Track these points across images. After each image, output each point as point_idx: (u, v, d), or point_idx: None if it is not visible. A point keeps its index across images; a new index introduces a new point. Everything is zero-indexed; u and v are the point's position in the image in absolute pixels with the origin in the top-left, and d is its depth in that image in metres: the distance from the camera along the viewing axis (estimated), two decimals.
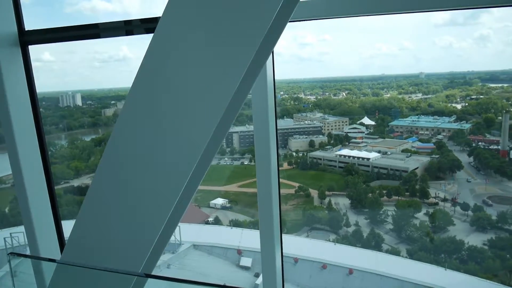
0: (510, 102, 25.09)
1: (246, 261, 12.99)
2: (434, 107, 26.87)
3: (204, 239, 13.93)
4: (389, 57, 36.12)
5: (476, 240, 19.88)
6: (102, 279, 1.94)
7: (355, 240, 21.55)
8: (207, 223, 22.42)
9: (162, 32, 1.70)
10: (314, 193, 23.95)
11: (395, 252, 20.22)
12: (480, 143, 23.72)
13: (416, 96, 28.48)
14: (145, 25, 3.28)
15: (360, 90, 29.87)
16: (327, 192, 23.66)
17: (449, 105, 26.79)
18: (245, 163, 25.75)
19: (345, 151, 25.26)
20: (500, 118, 23.83)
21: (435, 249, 20.18)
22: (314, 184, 24.25)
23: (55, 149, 26.45)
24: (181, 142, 1.71)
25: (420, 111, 26.97)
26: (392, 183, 23.28)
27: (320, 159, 25.52)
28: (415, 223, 21.55)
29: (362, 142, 25.75)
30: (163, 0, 1.68)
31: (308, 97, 30.39)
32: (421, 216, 21.74)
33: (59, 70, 36.53)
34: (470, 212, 21.28)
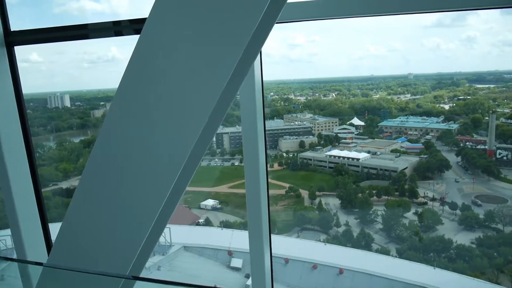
0: (496, 103, 25.48)
1: (236, 262, 12.96)
2: (423, 107, 27.17)
3: (195, 241, 13.86)
4: (378, 58, 36.43)
5: (464, 239, 20.12)
6: (89, 282, 1.93)
7: (346, 240, 21.66)
8: (197, 224, 22.34)
9: (148, 33, 1.69)
10: (304, 193, 24.01)
11: (384, 251, 20.37)
12: (467, 143, 24.03)
13: (405, 96, 28.76)
14: (134, 26, 3.26)
15: (350, 91, 30.07)
16: (317, 193, 23.74)
17: (437, 105, 27.11)
18: (235, 164, 25.71)
19: (335, 152, 25.39)
20: (487, 118, 24.18)
21: (424, 248, 20.37)
22: (304, 185, 24.32)
23: (43, 151, 26.12)
24: (168, 143, 1.70)
25: (409, 112, 27.25)
26: (381, 183, 23.45)
27: (310, 159, 25.60)
28: (405, 223, 21.73)
29: (352, 142, 25.90)
30: (152, 1, 1.67)
31: (298, 98, 30.48)
32: (410, 215, 21.94)
33: (47, 71, 36.08)
34: (458, 211, 21.52)
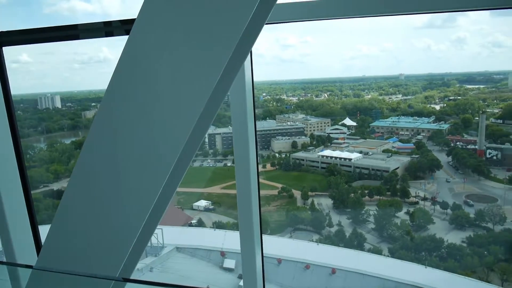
0: (486, 103, 25.78)
1: (229, 263, 12.94)
2: (414, 108, 27.40)
3: (187, 242, 13.81)
4: (370, 59, 36.69)
5: (455, 237, 20.30)
6: (79, 284, 1.91)
7: (338, 240, 21.75)
8: (190, 225, 22.28)
9: (137, 33, 1.69)
10: (297, 193, 24.08)
11: (377, 251, 20.48)
12: (458, 143, 24.28)
13: (396, 97, 28.99)
14: (125, 27, 3.23)
15: (342, 92, 30.23)
16: (310, 193, 23.82)
17: (428, 106, 27.37)
18: (228, 165, 25.70)
19: (327, 152, 25.50)
20: (477, 118, 24.45)
21: (415, 247, 20.52)
22: (297, 185, 24.38)
23: (34, 152, 25.88)
24: (158, 143, 1.69)
25: (400, 112, 27.48)
26: (373, 183, 23.59)
27: (303, 160, 25.68)
28: (396, 222, 21.87)
29: (344, 142, 26.03)
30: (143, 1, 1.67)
31: (290, 99, 30.57)
32: (402, 215, 22.09)
33: (37, 71, 35.81)
34: (449, 211, 21.72)
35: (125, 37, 1.71)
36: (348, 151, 25.24)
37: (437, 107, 27.02)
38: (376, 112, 27.57)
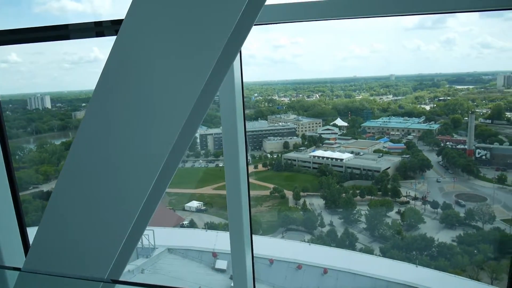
0: (475, 103, 26.09)
1: (221, 264, 12.90)
2: (404, 108, 27.62)
3: (179, 243, 13.74)
4: (361, 59, 36.90)
5: (445, 236, 20.51)
6: (67, 286, 1.89)
7: (330, 240, 21.84)
8: (182, 226, 22.21)
9: (125, 34, 1.68)
10: (289, 194, 24.12)
11: (368, 250, 20.60)
12: (448, 143, 24.53)
13: (387, 97, 29.19)
14: (116, 27, 3.21)
15: (333, 92, 30.36)
16: (301, 193, 23.88)
17: (418, 106, 27.61)
18: (220, 165, 25.66)
19: (319, 152, 25.59)
20: (466, 118, 24.71)
21: (406, 246, 20.69)
22: (288, 185, 24.43)
23: (23, 153, 25.61)
24: (146, 144, 1.69)
25: (391, 112, 27.66)
26: (365, 183, 23.73)
27: (295, 160, 25.74)
28: (388, 222, 22.02)
29: (335, 143, 26.14)
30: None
31: (282, 99, 30.63)
32: (393, 214, 22.25)
33: (27, 71, 35.36)
34: (439, 210, 21.93)
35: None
36: (339, 151, 25.36)
37: (427, 108, 27.27)
38: (367, 112, 27.74)
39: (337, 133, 26.79)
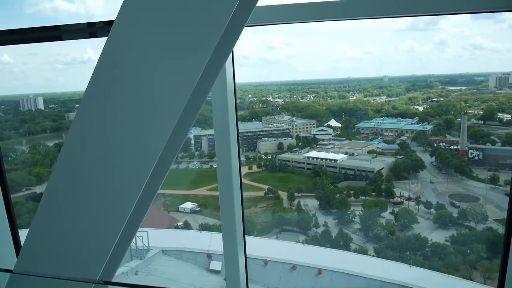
0: (467, 104, 26.27)
1: (216, 265, 12.86)
2: (398, 109, 27.75)
3: (173, 244, 13.69)
4: (354, 61, 37.06)
5: (439, 236, 20.63)
6: (59, 287, 1.89)
7: (324, 240, 21.87)
8: (176, 227, 22.12)
9: (117, 34, 1.68)
10: (283, 195, 24.13)
11: (362, 251, 20.65)
12: (441, 144, 24.67)
13: (381, 98, 29.32)
14: (109, 28, 3.19)
15: (327, 93, 30.44)
16: (296, 194, 23.90)
17: (411, 107, 27.75)
18: (214, 167, 25.60)
19: (313, 153, 25.62)
20: (459, 119, 24.89)
21: (400, 246, 20.77)
22: (283, 186, 24.44)
23: (16, 154, 25.39)
24: (137, 145, 1.69)
25: (384, 113, 27.78)
26: (359, 184, 23.79)
27: (289, 161, 25.76)
28: (382, 222, 22.10)
29: (329, 144, 26.20)
30: None
31: (276, 100, 30.66)
32: (387, 215, 22.33)
33: (20, 72, 35.06)
34: (433, 210, 22.05)
35: None
36: (333, 152, 25.42)
37: (421, 108, 27.42)
38: (361, 113, 27.84)
39: (331, 134, 26.84)
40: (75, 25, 3.35)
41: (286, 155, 26.12)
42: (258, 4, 3.01)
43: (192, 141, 26.30)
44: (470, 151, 23.22)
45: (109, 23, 3.19)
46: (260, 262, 12.46)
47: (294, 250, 15.07)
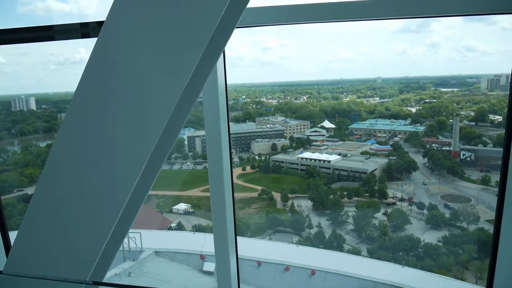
0: (460, 106, 26.50)
1: (209, 266, 12.83)
2: (391, 110, 27.91)
3: (166, 245, 13.64)
4: (348, 62, 37.21)
5: (431, 237, 20.75)
6: None
7: (318, 241, 21.91)
8: (169, 228, 22.04)
9: (107, 35, 1.68)
10: (277, 196, 24.15)
11: (356, 251, 20.72)
12: (433, 145, 24.84)
13: (374, 100, 29.47)
14: None
15: (320, 94, 30.54)
16: (289, 195, 23.93)
17: (404, 108, 27.93)
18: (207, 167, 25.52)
19: (307, 154, 25.68)
20: (451, 120, 25.08)
21: (393, 247, 20.87)
22: (276, 187, 24.47)
23: (7, 155, 25.18)
24: (127, 146, 1.68)
25: (377, 114, 27.92)
26: (352, 185, 23.88)
27: (283, 162, 25.79)
28: (375, 223, 22.19)
29: (323, 145, 26.27)
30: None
31: (270, 101, 30.70)
32: (380, 216, 22.43)
33: (12, 72, 34.69)
34: (425, 211, 22.19)
35: None
36: (327, 153, 25.49)
37: (413, 110, 27.61)
38: (354, 114, 27.96)
39: (324, 135, 26.92)
40: (67, 25, 3.33)
41: (280, 156, 26.15)
42: (252, 5, 3.03)
43: (186, 142, 26.25)
44: (462, 152, 23.41)
45: (102, 24, 3.17)
46: (253, 263, 12.45)
47: (288, 251, 15.08)
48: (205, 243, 13.41)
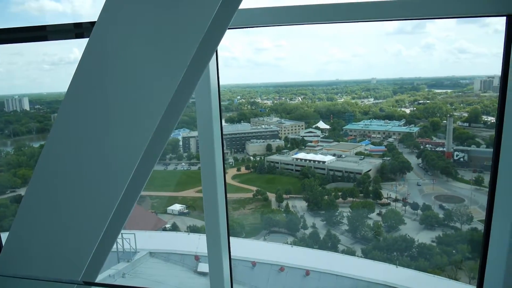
0: (453, 107, 26.66)
1: (203, 267, 12.81)
2: (385, 111, 28.02)
3: (161, 246, 13.60)
4: (343, 63, 37.32)
5: (425, 237, 20.84)
6: None
7: (313, 242, 21.92)
8: (164, 229, 21.97)
9: (98, 35, 1.68)
10: (271, 196, 24.13)
11: (350, 252, 20.75)
12: (427, 146, 24.96)
13: (368, 100, 29.58)
14: None
15: (315, 95, 30.59)
16: (284, 195, 23.92)
17: (398, 109, 28.04)
18: None
19: (302, 155, 25.69)
20: (445, 121, 25.22)
21: (387, 247, 20.92)
22: (271, 188, 24.45)
23: (0, 156, 24.97)
24: (118, 147, 1.69)
25: (372, 115, 28.01)
26: (346, 185, 23.92)
27: (277, 162, 25.79)
28: (369, 223, 22.25)
29: (317, 145, 26.30)
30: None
31: (265, 102, 30.70)
32: (375, 216, 22.49)
33: (5, 72, 34.39)
34: (419, 211, 22.28)
35: None
36: (322, 153, 25.52)
37: (407, 111, 27.73)
38: (349, 115, 28.02)
39: (319, 136, 26.97)
40: (61, 25, 3.32)
41: (275, 157, 26.15)
42: (247, 6, 3.04)
43: (181, 143, 26.18)
44: (456, 153, 23.55)
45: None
46: (248, 263, 12.45)
47: (282, 251, 15.09)
48: (199, 244, 13.38)
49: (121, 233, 11.70)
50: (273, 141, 26.92)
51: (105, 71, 1.69)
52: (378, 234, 21.59)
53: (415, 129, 26.00)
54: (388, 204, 22.98)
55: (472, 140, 23.94)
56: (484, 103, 26.06)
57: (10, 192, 22.42)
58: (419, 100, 28.10)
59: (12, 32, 3.43)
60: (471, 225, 21.05)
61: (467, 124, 25.03)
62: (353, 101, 29.58)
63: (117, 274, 11.91)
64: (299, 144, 26.72)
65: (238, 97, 30.40)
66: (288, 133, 27.48)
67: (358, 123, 27.67)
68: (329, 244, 21.49)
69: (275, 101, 30.74)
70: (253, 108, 29.88)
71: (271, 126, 27.87)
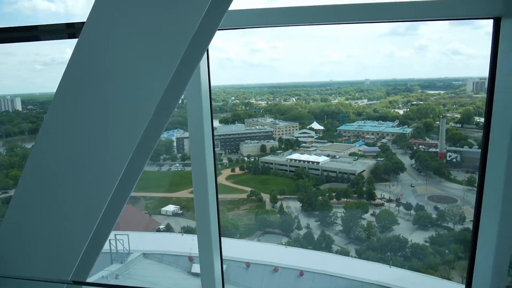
0: (446, 108, 26.85)
1: (197, 268, 12.76)
2: (379, 112, 28.15)
3: (155, 247, 13.56)
4: (337, 64, 37.42)
5: (418, 237, 20.95)
6: None
7: (307, 242, 21.95)
8: (158, 230, 21.89)
9: (87, 35, 1.68)
10: (266, 197, 24.14)
11: (344, 252, 20.81)
12: (420, 146, 25.11)
13: (362, 101, 29.71)
14: None
15: (310, 96, 30.67)
16: (278, 196, 23.94)
17: (392, 110, 28.19)
18: None
19: (296, 155, 25.73)
20: (438, 122, 25.40)
21: (381, 247, 21.01)
22: (265, 188, 24.46)
23: None
24: (107, 147, 1.69)
25: (365, 116, 28.13)
26: (340, 186, 23.99)
27: (272, 163, 25.82)
28: (363, 224, 22.32)
29: (311, 146, 26.36)
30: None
31: (259, 103, 30.72)
32: (368, 216, 22.57)
33: None
34: (412, 212, 22.40)
35: None
36: (316, 154, 25.58)
37: (401, 112, 27.89)
38: (343, 116, 28.12)
39: (313, 137, 27.04)
40: (53, 25, 3.30)
41: (269, 158, 26.17)
42: (242, 7, 3.05)
43: (175, 143, 26.12)
44: (448, 153, 23.71)
45: None
46: (242, 264, 12.45)
47: (277, 252, 15.10)
48: (193, 245, 13.35)
49: (115, 234, 11.64)
50: (267, 141, 26.93)
51: (94, 70, 1.69)
52: (371, 235, 21.66)
53: (408, 130, 26.15)
54: (382, 204, 23.08)
55: (464, 141, 24.12)
56: (477, 104, 26.27)
57: (2, 193, 22.23)
58: (412, 101, 28.27)
59: (4, 31, 3.41)
60: (464, 225, 21.19)
61: (460, 125, 25.22)
62: (347, 102, 29.69)
63: (110, 275, 11.85)
64: (293, 144, 26.76)
65: (233, 98, 30.39)
66: (282, 134, 27.52)
67: (352, 124, 27.78)
68: (323, 245, 21.53)
69: (269, 102, 30.77)
70: (247, 108, 29.88)
71: (265, 126, 27.89)
